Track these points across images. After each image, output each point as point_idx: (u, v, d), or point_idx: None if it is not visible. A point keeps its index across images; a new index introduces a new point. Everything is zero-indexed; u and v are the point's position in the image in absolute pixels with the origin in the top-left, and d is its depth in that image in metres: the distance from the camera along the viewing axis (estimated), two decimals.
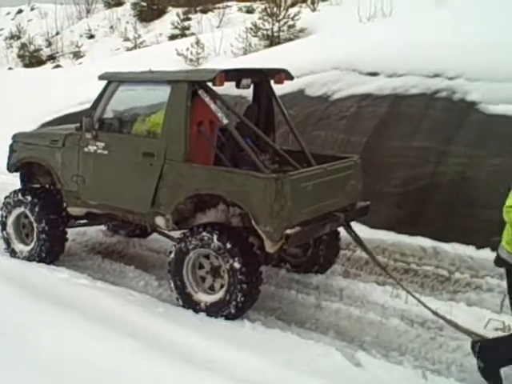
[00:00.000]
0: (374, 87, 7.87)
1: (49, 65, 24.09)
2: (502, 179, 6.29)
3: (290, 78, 5.96)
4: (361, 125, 7.66)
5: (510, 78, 6.80)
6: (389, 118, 7.48)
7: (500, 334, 4.73)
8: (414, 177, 6.93)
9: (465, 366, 4.36)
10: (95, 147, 5.77)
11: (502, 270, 5.83)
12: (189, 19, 22.44)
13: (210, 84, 5.24)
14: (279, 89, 6.18)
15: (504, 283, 5.61)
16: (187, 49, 15.45)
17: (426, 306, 4.90)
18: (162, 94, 5.45)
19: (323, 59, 8.86)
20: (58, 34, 27.55)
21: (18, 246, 6.38)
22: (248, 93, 6.55)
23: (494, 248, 6.12)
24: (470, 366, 4.34)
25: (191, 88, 5.23)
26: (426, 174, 6.85)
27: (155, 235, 6.68)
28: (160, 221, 5.40)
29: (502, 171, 6.35)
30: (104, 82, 5.89)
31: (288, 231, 4.77)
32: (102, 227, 7.35)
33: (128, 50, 21.28)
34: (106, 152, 5.72)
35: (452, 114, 6.99)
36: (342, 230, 5.68)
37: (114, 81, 5.84)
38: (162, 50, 16.62)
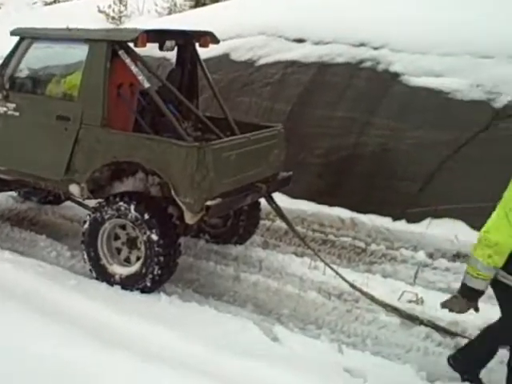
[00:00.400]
0: (299, 54, 7.78)
1: None
2: (422, 152, 6.43)
3: (216, 41, 5.75)
4: (285, 92, 7.58)
5: (432, 50, 6.89)
6: (313, 86, 7.43)
7: (413, 306, 4.83)
8: (337, 147, 6.94)
9: (379, 338, 4.42)
10: (5, 108, 5.41)
11: (416, 242, 6.02)
12: None
13: (131, 45, 4.98)
14: (204, 52, 5.99)
15: (418, 255, 5.79)
16: (109, 6, 14.91)
17: (343, 277, 4.94)
18: (79, 53, 5.15)
19: (250, 23, 8.69)
20: None
21: None
22: (172, 55, 6.32)
23: (410, 220, 6.30)
24: (384, 338, 4.43)
25: (111, 48, 4.95)
26: (349, 145, 6.88)
27: (69, 202, 6.40)
28: (74, 189, 5.15)
29: (422, 144, 6.47)
30: (16, 39, 5.51)
31: (209, 202, 4.64)
32: (13, 193, 6.97)
33: (46, 4, 20.22)
34: (16, 114, 5.37)
35: (376, 85, 7.02)
36: (262, 200, 5.62)
37: (27, 37, 5.47)
38: (82, 7, 15.91)
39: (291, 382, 3.46)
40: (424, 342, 4.39)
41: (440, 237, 5.92)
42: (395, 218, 6.30)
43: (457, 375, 3.94)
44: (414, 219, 6.23)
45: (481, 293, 3.51)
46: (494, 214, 3.41)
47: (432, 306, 4.80)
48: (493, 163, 6.01)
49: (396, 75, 6.89)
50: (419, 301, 4.90)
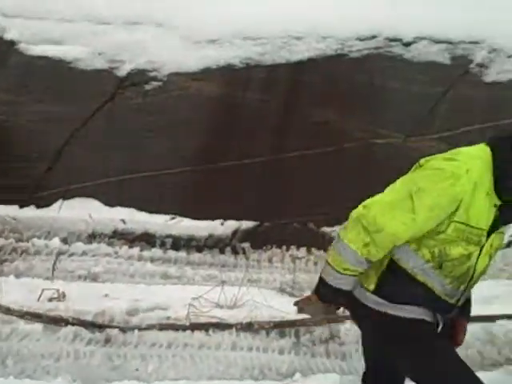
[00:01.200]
0: None
1: None
2: (46, 128, 5.93)
3: None
4: None
5: (50, 16, 6.41)
6: None
7: (56, 304, 4.40)
8: None
9: (22, 353, 3.85)
10: None
11: (49, 228, 5.56)
12: None
13: None
14: None
15: (52, 243, 5.39)
16: None
17: None
18: None
19: None
20: None
21: None
22: None
23: (39, 205, 5.80)
24: (27, 352, 3.87)
25: None
26: None
27: None
28: None
29: (46, 119, 5.96)
30: None
31: None
32: None
33: None
34: None
35: None
36: None
37: None
38: None
39: None
40: (73, 345, 4.03)
41: (73, 218, 5.64)
42: (22, 205, 5.78)
43: (111, 378, 3.70)
44: (43, 203, 5.83)
45: (347, 293, 2.32)
46: (388, 191, 2.27)
47: (75, 299, 4.51)
48: (119, 135, 5.93)
49: (13, 43, 6.20)
50: (61, 296, 4.53)
